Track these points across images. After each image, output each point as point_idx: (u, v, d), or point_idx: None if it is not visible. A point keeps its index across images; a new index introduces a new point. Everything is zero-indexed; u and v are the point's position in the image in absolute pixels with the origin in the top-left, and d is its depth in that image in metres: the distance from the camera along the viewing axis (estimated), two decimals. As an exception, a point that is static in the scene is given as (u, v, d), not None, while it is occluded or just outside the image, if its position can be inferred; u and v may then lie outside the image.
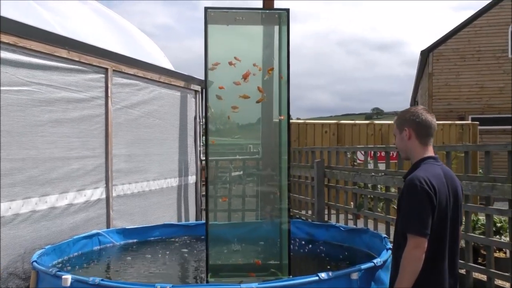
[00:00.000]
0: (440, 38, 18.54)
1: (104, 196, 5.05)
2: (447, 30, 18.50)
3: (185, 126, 6.87)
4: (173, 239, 5.10)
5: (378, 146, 6.77)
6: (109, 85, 5.11)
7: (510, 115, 17.13)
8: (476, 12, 18.18)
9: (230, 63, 3.79)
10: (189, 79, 6.96)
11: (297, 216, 6.75)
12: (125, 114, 5.47)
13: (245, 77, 3.85)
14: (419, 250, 2.39)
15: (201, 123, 7.43)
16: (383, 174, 4.71)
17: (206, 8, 3.62)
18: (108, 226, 5.10)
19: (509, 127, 17.09)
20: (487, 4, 17.98)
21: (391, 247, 3.60)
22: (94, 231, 4.65)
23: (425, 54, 18.85)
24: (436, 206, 2.47)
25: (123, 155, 5.45)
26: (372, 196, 5.10)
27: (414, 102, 29.50)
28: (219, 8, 3.66)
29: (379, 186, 5.00)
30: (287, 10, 3.67)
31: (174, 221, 6.59)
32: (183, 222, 6.19)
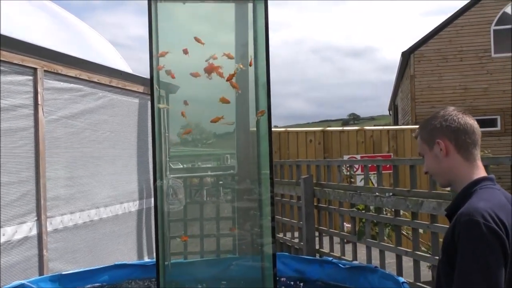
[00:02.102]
0: (421, 39, 17.83)
1: (34, 232, 3.92)
2: (417, 34, 17.91)
3: (146, 139, 5.77)
4: (126, 285, 3.99)
5: (380, 157, 5.78)
6: (39, 89, 3.99)
7: (495, 117, 16.50)
8: (457, 11, 17.55)
9: (185, 52, 2.77)
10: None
11: (281, 241, 5.70)
12: (63, 127, 4.35)
13: (209, 71, 2.84)
14: None
15: (167, 134, 6.36)
16: (391, 194, 3.71)
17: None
18: (41, 271, 3.96)
19: (496, 129, 16.46)
20: (468, 3, 17.36)
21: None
22: (17, 282, 3.50)
23: (406, 56, 18.11)
24: (509, 255, 1.58)
25: (62, 177, 4.33)
26: (375, 221, 4.09)
27: (393, 105, 28.92)
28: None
29: (383, 208, 4.00)
30: (263, -22, 2.64)
31: (134, 253, 5.48)
32: (139, 260, 5.07)
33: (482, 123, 16.52)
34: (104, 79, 5.00)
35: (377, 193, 3.88)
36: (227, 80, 2.86)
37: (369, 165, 4.24)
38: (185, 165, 4.36)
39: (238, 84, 3.33)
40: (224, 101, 3.10)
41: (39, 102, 3.99)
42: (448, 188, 3.62)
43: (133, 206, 5.42)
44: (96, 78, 4.83)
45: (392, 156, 7.22)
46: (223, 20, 3.38)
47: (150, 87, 2.82)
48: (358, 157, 7.11)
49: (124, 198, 5.24)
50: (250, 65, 3.04)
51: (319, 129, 7.41)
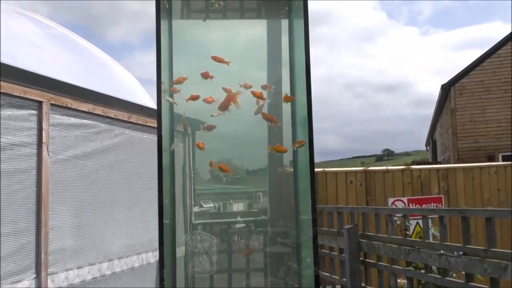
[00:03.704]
0: (462, 71, 17.01)
1: (32, 292, 3.35)
2: (451, 67, 17.13)
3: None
4: None
5: (431, 200, 5.02)
6: (43, 125, 3.50)
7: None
8: (500, 41, 16.72)
9: (206, 76, 2.23)
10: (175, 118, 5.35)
11: (320, 297, 4.95)
12: (72, 168, 3.84)
13: (224, 106, 2.31)
14: None
15: (192, 175, 5.81)
16: (462, 253, 2.98)
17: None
18: (39, 338, 3.37)
19: (547, 165, 15.29)
20: (511, 32, 16.54)
21: None
22: None
23: (446, 89, 17.28)
24: None
25: (69, 227, 3.78)
26: (439, 284, 3.32)
27: (431, 141, 27.87)
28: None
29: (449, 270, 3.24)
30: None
31: (152, 311, 4.85)
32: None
33: (531, 159, 15.48)
34: (122, 115, 4.51)
35: (442, 251, 3.15)
36: (220, 108, 2.34)
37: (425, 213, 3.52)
38: (216, 204, 3.74)
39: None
40: (280, 150, 2.59)
41: (44, 140, 3.49)
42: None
43: (153, 257, 4.81)
44: (112, 113, 4.34)
45: (443, 199, 6.45)
46: (254, 54, 2.89)
47: (157, 124, 2.25)
48: (405, 199, 6.37)
49: (142, 248, 4.65)
50: (287, 100, 2.49)
51: (360, 169, 6.70)
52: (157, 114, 2.31)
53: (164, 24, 2.23)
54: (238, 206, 3.69)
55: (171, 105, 2.58)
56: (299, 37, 2.26)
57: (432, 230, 3.72)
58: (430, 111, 21.77)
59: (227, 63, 2.33)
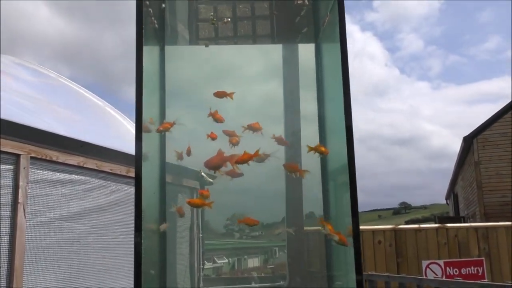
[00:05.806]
0: (484, 122, 16.41)
1: None
2: (464, 122, 16.56)
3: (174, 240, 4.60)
4: None
5: (485, 270, 4.30)
6: (20, 183, 2.96)
7: None
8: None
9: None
10: (180, 172, 4.81)
11: None
12: (56, 232, 3.26)
13: (213, 163, 1.75)
14: None
15: (201, 235, 5.26)
16: None
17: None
18: None
19: None
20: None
21: None
22: None
23: (469, 141, 16.61)
24: None
25: (49, 303, 3.16)
26: None
27: (452, 194, 26.88)
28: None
29: None
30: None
31: None
32: None
33: None
34: (120, 169, 3.97)
35: None
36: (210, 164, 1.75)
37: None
38: (230, 259, 3.50)
39: (288, 173, 2.32)
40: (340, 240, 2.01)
41: (19, 200, 2.94)
42: None
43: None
44: (108, 167, 3.81)
45: (484, 262, 5.70)
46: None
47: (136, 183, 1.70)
48: (441, 263, 5.63)
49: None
50: (321, 152, 1.92)
51: (389, 227, 6.00)
52: (135, 159, 1.74)
53: (153, 51, 1.71)
54: (253, 262, 3.38)
55: (162, 150, 2.02)
56: (331, 65, 1.72)
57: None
58: (446, 164, 21.11)
59: (231, 95, 1.78)
